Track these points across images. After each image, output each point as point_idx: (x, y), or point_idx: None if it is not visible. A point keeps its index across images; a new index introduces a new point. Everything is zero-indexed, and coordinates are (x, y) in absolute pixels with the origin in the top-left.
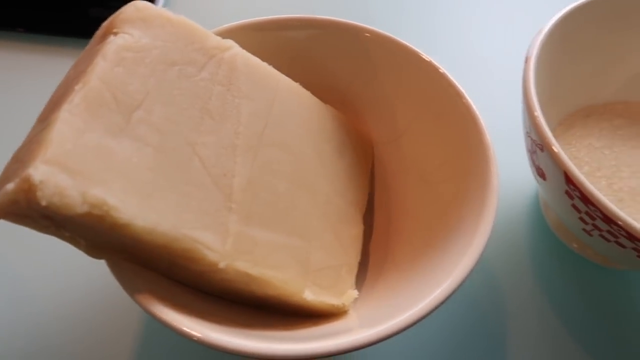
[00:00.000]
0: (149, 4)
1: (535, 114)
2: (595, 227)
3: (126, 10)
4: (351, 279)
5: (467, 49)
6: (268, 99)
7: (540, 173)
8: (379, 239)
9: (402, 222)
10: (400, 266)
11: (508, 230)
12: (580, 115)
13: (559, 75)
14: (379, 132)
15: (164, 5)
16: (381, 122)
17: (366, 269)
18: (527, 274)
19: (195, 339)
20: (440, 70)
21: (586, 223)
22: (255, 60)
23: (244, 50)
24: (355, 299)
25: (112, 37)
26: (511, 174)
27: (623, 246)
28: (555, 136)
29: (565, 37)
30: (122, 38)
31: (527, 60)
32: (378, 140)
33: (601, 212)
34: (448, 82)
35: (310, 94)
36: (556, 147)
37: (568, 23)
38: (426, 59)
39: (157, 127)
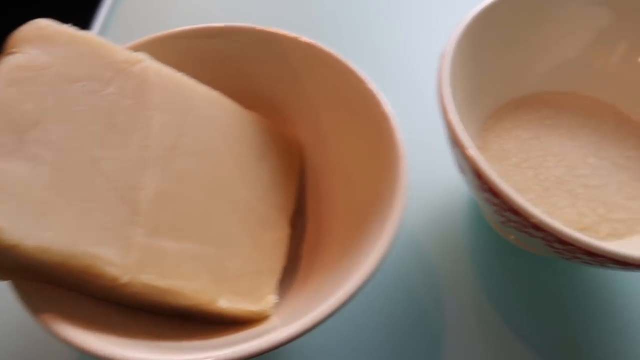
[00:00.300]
0: (51, 22)
1: (447, 109)
2: (508, 218)
3: (25, 29)
4: (272, 284)
5: (393, 45)
6: (183, 109)
7: (460, 167)
8: (310, 240)
9: (332, 222)
10: (327, 267)
11: (447, 226)
12: (510, 107)
13: (486, 69)
14: (306, 134)
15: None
16: (307, 124)
17: (297, 272)
18: (467, 269)
19: (101, 357)
20: (350, 68)
21: (501, 215)
22: (169, 71)
23: (157, 62)
24: (282, 303)
25: (7, 57)
26: (450, 170)
27: (533, 235)
28: (486, 129)
29: (487, 31)
30: (17, 57)
31: (443, 57)
32: (307, 142)
33: (506, 204)
34: (359, 80)
35: (231, 102)
36: (465, 143)
37: (488, 16)
38: (337, 58)
39: (55, 145)
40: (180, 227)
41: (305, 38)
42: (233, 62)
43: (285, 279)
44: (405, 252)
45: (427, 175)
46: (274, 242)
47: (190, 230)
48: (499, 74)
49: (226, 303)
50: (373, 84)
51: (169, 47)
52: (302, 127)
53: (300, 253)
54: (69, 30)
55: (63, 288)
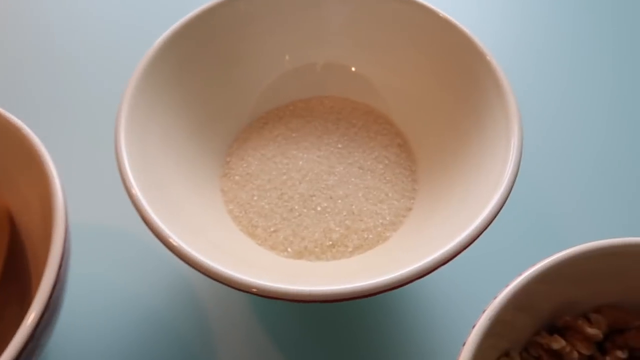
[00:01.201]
0: None
1: (119, 154)
2: None
3: None
4: None
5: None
6: None
7: None
8: None
9: None
10: None
11: None
12: (258, 124)
13: (216, 91)
14: (13, 200)
15: None
16: (10, 189)
17: None
18: (242, 309)
19: None
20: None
21: None
22: None
23: None
24: None
25: None
26: None
27: None
28: (231, 153)
29: (195, 53)
30: None
31: (118, 116)
32: (14, 209)
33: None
34: (26, 138)
35: None
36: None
37: (184, 37)
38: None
39: None
40: None
41: None
42: None
43: None
44: (177, 297)
45: None
46: None
47: None
48: (234, 92)
49: None
50: (40, 148)
51: None
52: (5, 193)
53: None
54: None
55: None
